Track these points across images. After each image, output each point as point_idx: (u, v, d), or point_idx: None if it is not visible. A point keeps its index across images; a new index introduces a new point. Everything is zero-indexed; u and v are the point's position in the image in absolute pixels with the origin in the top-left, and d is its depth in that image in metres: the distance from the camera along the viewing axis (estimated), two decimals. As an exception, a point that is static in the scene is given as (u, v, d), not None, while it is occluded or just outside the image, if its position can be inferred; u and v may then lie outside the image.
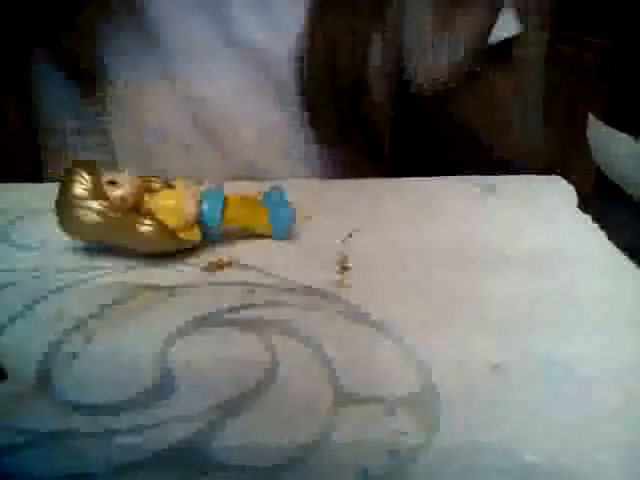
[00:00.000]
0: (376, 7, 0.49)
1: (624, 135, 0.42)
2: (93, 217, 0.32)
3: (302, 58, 0.49)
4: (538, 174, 0.45)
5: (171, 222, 0.33)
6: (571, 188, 0.42)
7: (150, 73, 0.49)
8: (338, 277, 0.32)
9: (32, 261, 0.33)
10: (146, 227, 0.32)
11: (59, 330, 0.28)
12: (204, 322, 0.28)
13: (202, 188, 0.35)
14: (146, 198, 0.34)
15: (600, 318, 0.29)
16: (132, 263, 0.33)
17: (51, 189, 0.33)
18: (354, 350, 0.27)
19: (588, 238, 0.36)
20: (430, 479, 0.21)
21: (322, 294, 0.31)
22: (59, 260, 0.33)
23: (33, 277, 0.32)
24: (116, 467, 0.21)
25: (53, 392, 0.24)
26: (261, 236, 0.36)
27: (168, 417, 0.23)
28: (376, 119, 0.52)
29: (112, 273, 0.32)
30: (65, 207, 0.32)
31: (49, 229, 0.33)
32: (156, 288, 0.31)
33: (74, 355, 0.26)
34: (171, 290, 0.31)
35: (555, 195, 0.41)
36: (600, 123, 0.44)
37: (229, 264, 0.33)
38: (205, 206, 0.34)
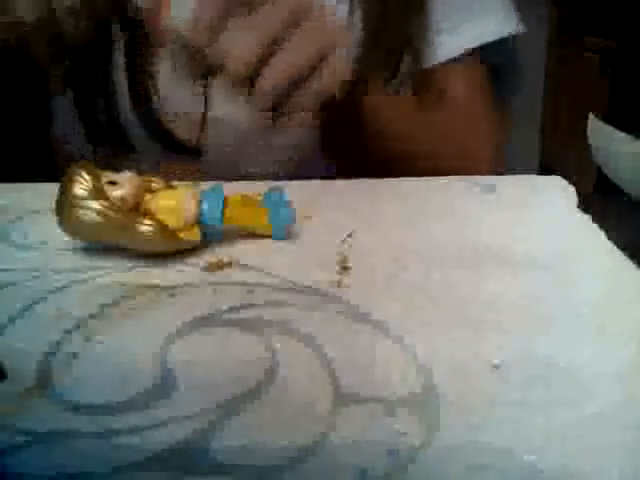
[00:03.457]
0: None
1: (624, 134, 0.42)
2: (93, 217, 0.32)
3: None
4: (538, 174, 0.45)
5: (171, 222, 0.33)
6: (571, 188, 0.42)
7: None
8: (338, 277, 0.32)
9: (32, 261, 0.33)
10: (146, 227, 0.32)
11: (59, 330, 0.28)
12: (204, 322, 0.28)
13: (202, 188, 0.35)
14: (146, 198, 0.34)
15: (600, 318, 0.29)
16: (132, 263, 0.33)
17: (51, 189, 0.33)
18: (354, 350, 0.27)
19: (588, 238, 0.36)
20: (430, 479, 0.21)
21: (322, 294, 0.31)
22: (59, 260, 0.33)
23: (33, 277, 0.32)
24: (116, 467, 0.21)
25: (53, 392, 0.24)
26: (261, 236, 0.36)
27: (168, 417, 0.23)
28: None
29: (112, 273, 0.32)
30: (65, 207, 0.32)
31: (49, 229, 0.33)
32: (156, 288, 0.31)
33: (74, 355, 0.26)
34: (171, 290, 0.31)
35: (555, 195, 0.41)
36: (600, 123, 0.44)
37: (229, 264, 0.33)
38: (205, 206, 0.34)
